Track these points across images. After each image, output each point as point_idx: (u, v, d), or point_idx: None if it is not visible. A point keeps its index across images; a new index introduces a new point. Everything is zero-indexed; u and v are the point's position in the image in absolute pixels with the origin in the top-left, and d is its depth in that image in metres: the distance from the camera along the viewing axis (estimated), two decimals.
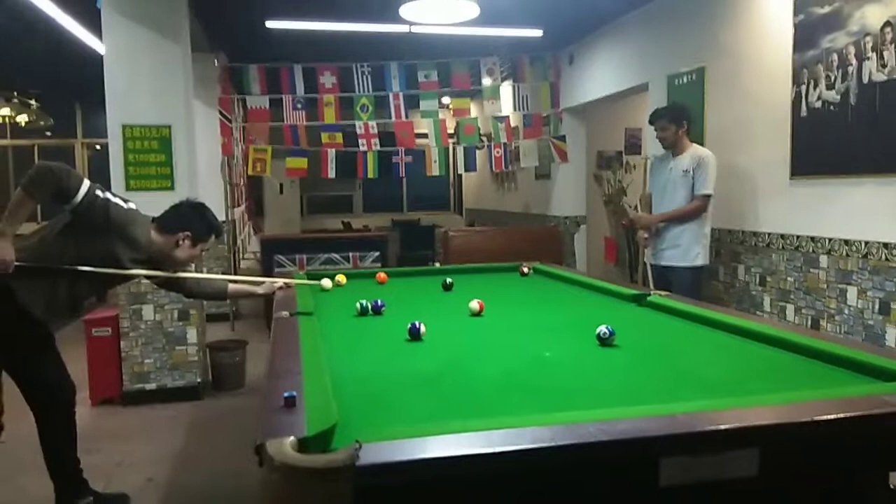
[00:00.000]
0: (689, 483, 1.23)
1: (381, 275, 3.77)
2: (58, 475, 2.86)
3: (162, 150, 4.37)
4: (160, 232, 2.84)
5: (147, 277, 3.02)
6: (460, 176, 12.12)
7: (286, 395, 1.41)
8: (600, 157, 8.17)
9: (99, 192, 2.61)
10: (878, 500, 1.53)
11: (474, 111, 7.44)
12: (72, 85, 8.55)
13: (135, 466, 3.45)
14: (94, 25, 4.72)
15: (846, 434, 1.34)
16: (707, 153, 4.18)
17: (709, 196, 4.10)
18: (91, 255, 2.65)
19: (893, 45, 3.25)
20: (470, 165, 7.05)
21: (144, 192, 4.33)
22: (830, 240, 3.70)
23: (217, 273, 7.03)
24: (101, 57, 4.36)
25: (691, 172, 4.10)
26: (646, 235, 4.31)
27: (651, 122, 4.37)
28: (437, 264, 5.30)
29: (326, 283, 3.45)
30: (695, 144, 4.25)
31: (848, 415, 1.33)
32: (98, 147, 9.76)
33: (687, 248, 4.13)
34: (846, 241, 3.59)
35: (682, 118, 4.21)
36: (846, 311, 3.61)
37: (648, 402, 1.50)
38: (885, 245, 3.35)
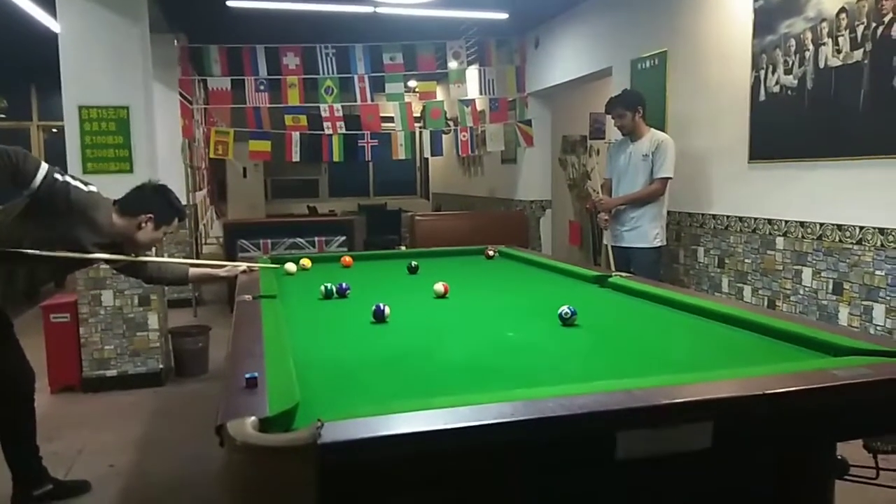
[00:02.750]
0: (645, 456, 1.26)
1: (347, 258, 3.76)
2: (16, 464, 2.81)
3: (120, 131, 4.27)
4: (122, 214, 2.78)
5: (107, 262, 2.96)
6: (427, 160, 12.10)
7: (247, 376, 1.41)
8: (565, 141, 8.22)
9: (58, 176, 2.54)
10: (826, 470, 1.58)
11: (440, 95, 7.42)
12: (26, 66, 8.29)
13: (96, 453, 3.40)
14: (49, 2, 4.57)
15: (795, 406, 1.38)
16: (665, 137, 4.25)
17: (667, 179, 4.18)
18: (52, 240, 2.59)
19: (848, 31, 3.33)
20: (436, 149, 7.05)
21: (102, 175, 4.23)
22: (787, 222, 3.79)
23: (179, 258, 6.92)
24: (57, 36, 4.24)
25: (650, 156, 4.18)
26: (605, 217, 4.38)
27: (607, 112, 4.43)
28: (404, 248, 5.30)
29: (291, 266, 3.42)
30: (653, 129, 4.31)
31: (797, 388, 1.37)
32: (55, 130, 9.48)
33: (646, 230, 4.21)
34: (802, 224, 3.69)
35: (636, 104, 4.27)
36: (801, 292, 3.71)
37: (608, 378, 1.52)
38: (839, 227, 3.45)
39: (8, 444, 2.79)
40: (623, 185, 4.34)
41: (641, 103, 4.28)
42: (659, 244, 4.26)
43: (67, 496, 2.91)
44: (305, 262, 3.57)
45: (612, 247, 4.40)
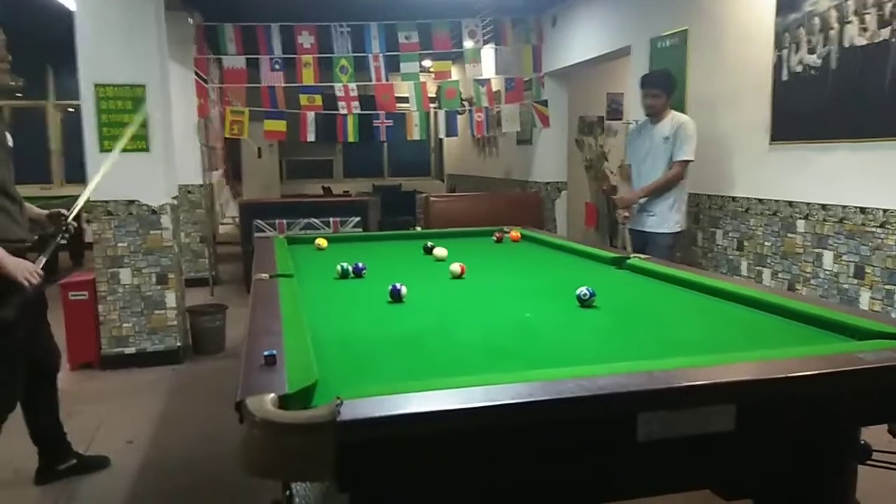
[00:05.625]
0: (666, 438, 1.25)
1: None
2: (42, 439, 2.86)
3: (136, 110, 4.26)
4: None
5: None
6: (441, 141, 12.05)
7: (266, 353, 1.40)
8: (582, 122, 8.15)
9: None
10: (849, 454, 1.56)
11: (455, 74, 7.36)
12: (42, 45, 8.30)
13: (115, 429, 3.44)
14: None
15: (821, 390, 1.36)
16: (686, 119, 4.16)
17: (687, 162, 4.09)
18: None
19: (875, 9, 3.25)
20: (451, 130, 7.00)
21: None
22: (808, 205, 3.73)
23: (196, 238, 6.98)
24: (72, 14, 4.23)
25: (671, 139, 4.09)
26: (626, 214, 4.26)
27: (643, 87, 4.26)
28: (419, 229, 5.28)
29: (442, 252, 3.21)
30: (673, 111, 4.22)
31: (823, 371, 1.35)
32: (71, 109, 9.52)
33: (668, 215, 4.14)
34: (823, 206, 3.63)
35: (672, 88, 4.17)
36: (822, 275, 3.66)
37: (627, 360, 1.51)
38: (862, 210, 3.39)
39: (35, 419, 2.84)
40: (644, 169, 4.24)
41: (675, 89, 4.20)
42: (679, 229, 4.18)
43: (88, 471, 2.96)
44: (321, 241, 3.58)
45: (630, 229, 4.35)
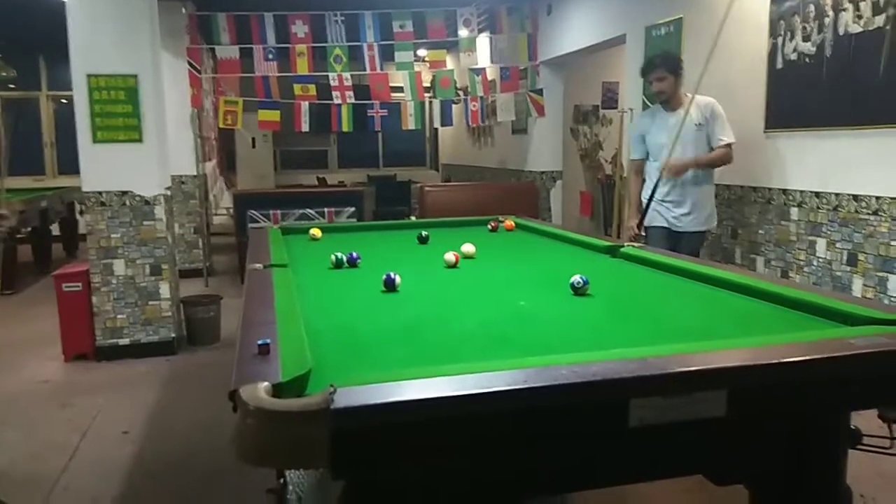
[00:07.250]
0: (658, 424, 1.26)
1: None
2: None
3: (129, 100, 4.24)
4: None
5: None
6: (436, 130, 12.02)
7: (260, 342, 1.40)
8: (577, 111, 8.14)
9: None
10: (839, 439, 1.57)
11: (450, 63, 7.33)
12: (34, 35, 8.23)
13: (110, 420, 3.44)
14: None
15: (812, 376, 1.37)
16: (713, 101, 3.83)
17: (731, 144, 3.78)
18: None
19: None
20: (446, 119, 6.99)
21: (112, 144, 4.23)
22: (802, 192, 3.74)
23: (190, 229, 6.96)
24: (64, 4, 4.20)
25: (704, 125, 3.79)
26: (641, 234, 3.97)
27: (644, 74, 3.98)
28: (413, 218, 5.28)
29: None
30: (696, 95, 3.82)
31: (814, 357, 1.36)
32: (64, 101, 9.45)
33: (710, 213, 3.92)
34: (817, 194, 3.64)
35: (678, 67, 3.88)
36: (815, 263, 3.68)
37: (620, 347, 1.51)
38: (855, 197, 3.40)
39: None
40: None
41: (682, 68, 3.90)
42: (714, 225, 4.01)
43: None
44: (315, 231, 3.58)
45: (656, 227, 3.96)
